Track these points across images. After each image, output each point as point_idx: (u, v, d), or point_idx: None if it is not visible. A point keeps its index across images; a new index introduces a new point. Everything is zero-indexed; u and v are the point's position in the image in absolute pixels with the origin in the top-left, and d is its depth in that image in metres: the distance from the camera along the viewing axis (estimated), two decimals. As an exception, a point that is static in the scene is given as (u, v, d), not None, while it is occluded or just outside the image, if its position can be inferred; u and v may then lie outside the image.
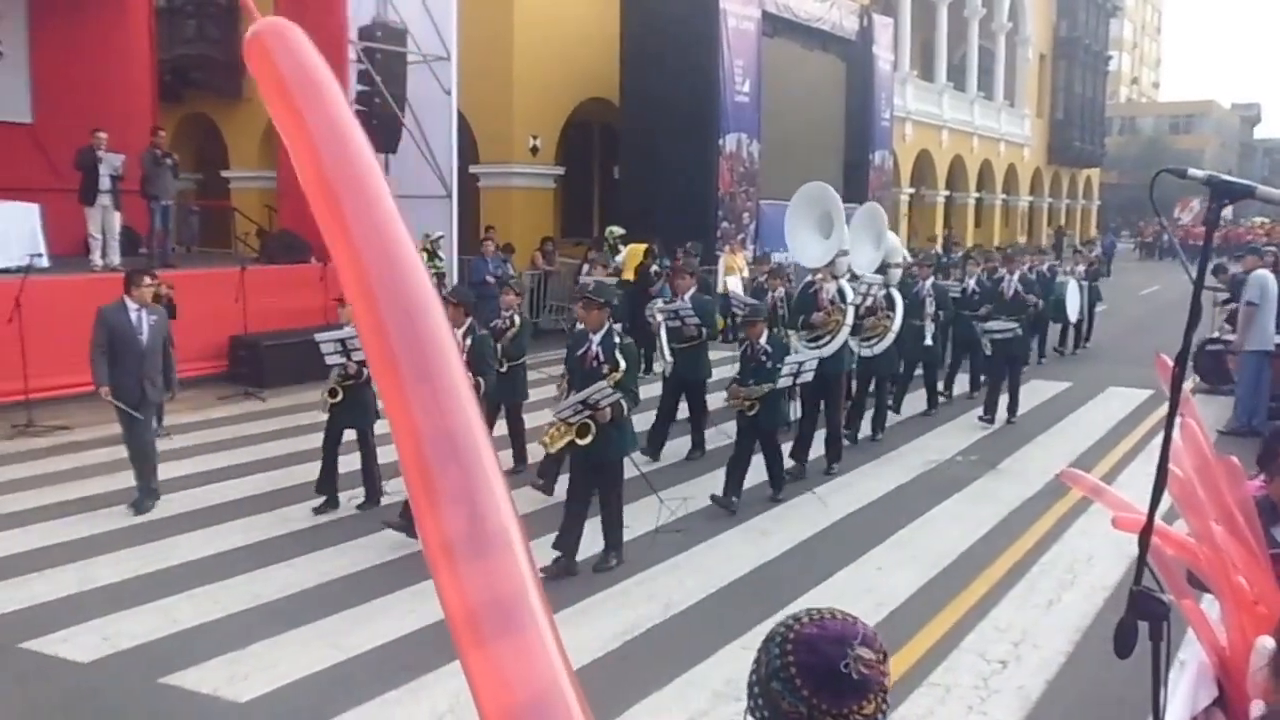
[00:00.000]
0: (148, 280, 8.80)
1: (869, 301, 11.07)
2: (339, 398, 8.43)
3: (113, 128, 14.26)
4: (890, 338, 11.30)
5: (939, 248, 25.98)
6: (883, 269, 12.91)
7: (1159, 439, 2.36)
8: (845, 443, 10.60)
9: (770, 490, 9.10)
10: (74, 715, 5.29)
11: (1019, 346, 12.81)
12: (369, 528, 8.10)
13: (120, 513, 8.36)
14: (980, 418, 12.33)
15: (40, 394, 11.13)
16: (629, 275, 16.88)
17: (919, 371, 13.22)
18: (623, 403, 7.12)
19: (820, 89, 25.27)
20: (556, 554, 7.12)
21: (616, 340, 7.35)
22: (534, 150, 21.65)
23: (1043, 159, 50.01)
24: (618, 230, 18.87)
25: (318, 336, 8.58)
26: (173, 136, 16.08)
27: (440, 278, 15.77)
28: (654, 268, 16.26)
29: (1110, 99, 59.62)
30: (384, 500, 8.62)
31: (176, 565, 7.27)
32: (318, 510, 8.51)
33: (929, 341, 12.82)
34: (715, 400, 10.86)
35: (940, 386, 13.65)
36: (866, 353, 11.22)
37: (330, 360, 8.36)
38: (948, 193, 40.00)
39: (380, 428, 8.46)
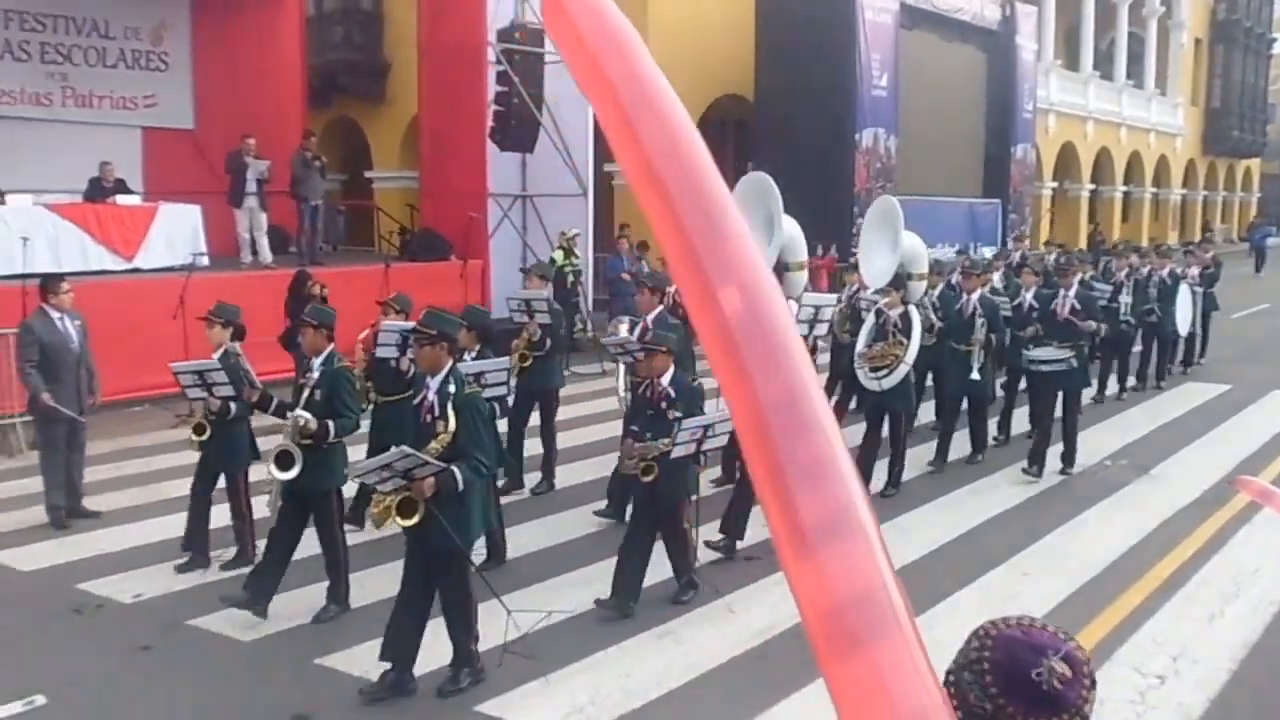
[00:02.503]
0: (64, 286, 8.38)
1: (817, 330, 8.37)
2: (206, 434, 7.05)
3: (266, 132, 14.95)
4: (902, 370, 8.89)
5: (1059, 248, 20.97)
6: (898, 280, 9.76)
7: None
8: None
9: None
10: (239, 689, 5.56)
11: (1071, 381, 9.84)
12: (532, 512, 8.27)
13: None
14: (1024, 470, 9.62)
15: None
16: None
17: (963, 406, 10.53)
18: (457, 475, 5.23)
19: (960, 81, 24.66)
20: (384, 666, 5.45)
21: (452, 388, 5.44)
22: (667, 148, 21.69)
23: (1197, 150, 47.61)
24: (751, 227, 18.78)
25: (174, 366, 7.18)
26: (319, 139, 16.72)
27: (576, 275, 15.98)
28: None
29: (1274, 84, 56.31)
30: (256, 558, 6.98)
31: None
32: (181, 569, 7.15)
33: (975, 375, 10.01)
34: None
35: (994, 429, 11.04)
36: (874, 386, 8.96)
37: (191, 395, 7.06)
38: (1093, 186, 38.47)
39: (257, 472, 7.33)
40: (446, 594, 5.51)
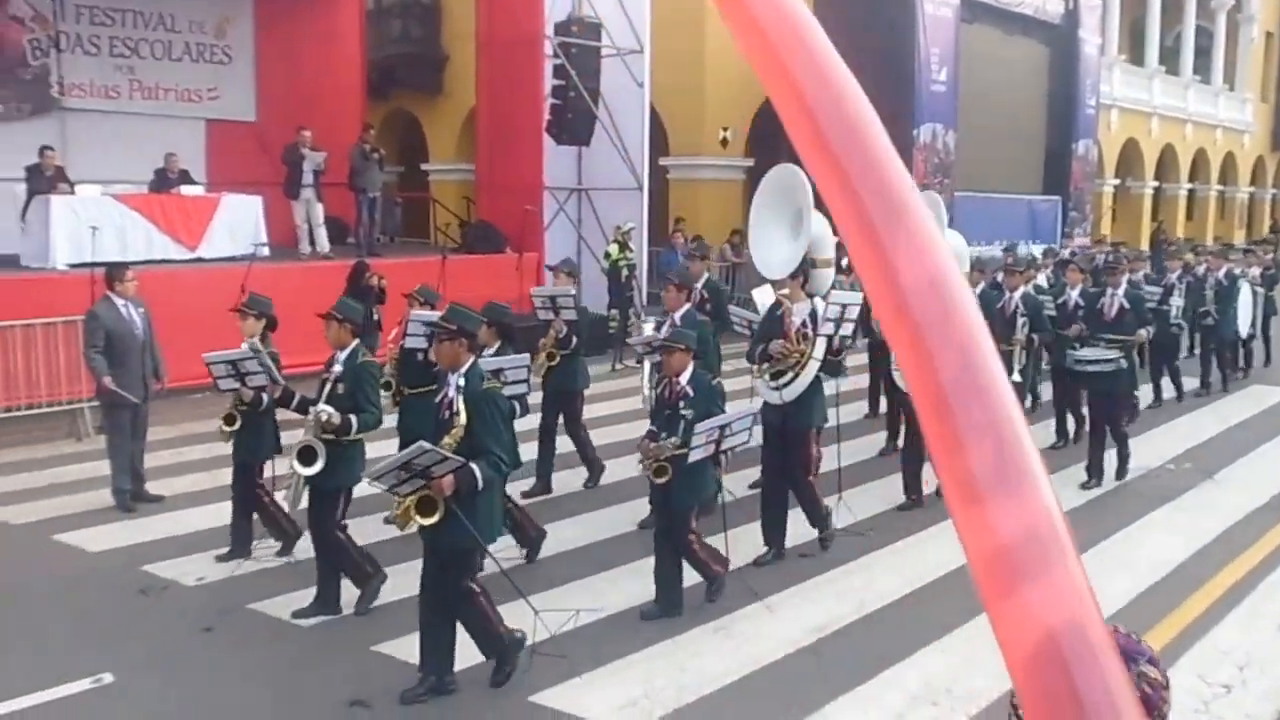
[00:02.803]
0: (129, 275, 8.61)
1: (844, 330, 7.68)
2: (237, 425, 7.05)
3: (325, 125, 15.12)
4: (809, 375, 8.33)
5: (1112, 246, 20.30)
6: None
7: None
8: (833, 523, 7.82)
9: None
10: (298, 673, 5.64)
11: (1118, 383, 9.51)
12: (569, 509, 8.32)
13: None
14: (1082, 485, 9.29)
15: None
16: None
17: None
18: (476, 472, 5.15)
19: (1021, 76, 24.28)
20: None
21: (462, 383, 5.33)
22: (724, 142, 21.63)
23: (1266, 146, 46.39)
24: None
25: (206, 357, 7.04)
26: (377, 131, 16.93)
27: (631, 269, 15.99)
28: (844, 261, 15.99)
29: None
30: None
31: (388, 540, 7.44)
32: (221, 559, 7.23)
33: (1016, 376, 9.29)
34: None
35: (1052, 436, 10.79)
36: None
37: (224, 386, 7.02)
38: (1156, 184, 37.69)
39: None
40: (451, 594, 5.38)
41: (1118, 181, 35.19)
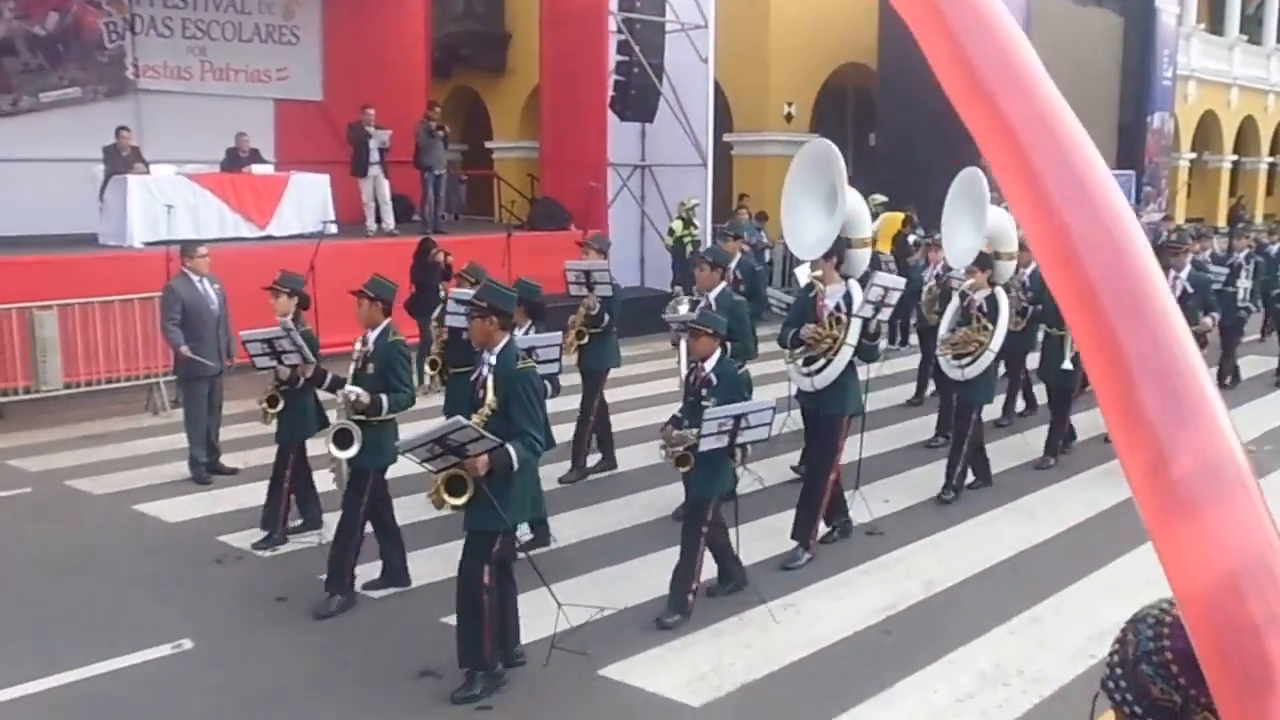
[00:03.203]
0: (201, 250, 8.72)
1: (882, 314, 7.24)
2: (280, 406, 6.96)
3: (389, 103, 15.24)
4: (988, 358, 8.19)
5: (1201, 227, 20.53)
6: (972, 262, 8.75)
7: None
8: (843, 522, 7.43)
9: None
10: (368, 643, 5.74)
11: None
12: (629, 486, 8.33)
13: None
14: None
15: (330, 350, 12.05)
16: (884, 246, 16.43)
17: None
18: (511, 452, 4.96)
19: (1094, 47, 23.66)
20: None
21: (494, 362, 5.20)
22: (788, 118, 21.42)
23: (1352, 118, 44.76)
24: (880, 198, 18.37)
25: (243, 335, 7.01)
26: (441, 110, 17.04)
27: (696, 245, 15.93)
28: (911, 238, 15.77)
29: None
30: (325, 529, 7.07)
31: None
32: (257, 545, 7.12)
33: (1068, 364, 9.01)
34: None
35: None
36: (956, 375, 8.31)
37: (261, 365, 6.93)
38: (1235, 157, 36.52)
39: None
40: (465, 594, 5.16)
41: (1194, 155, 34.19)
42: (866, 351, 7.16)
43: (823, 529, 7.21)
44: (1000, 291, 8.47)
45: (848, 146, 24.96)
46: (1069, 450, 9.53)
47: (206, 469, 8.61)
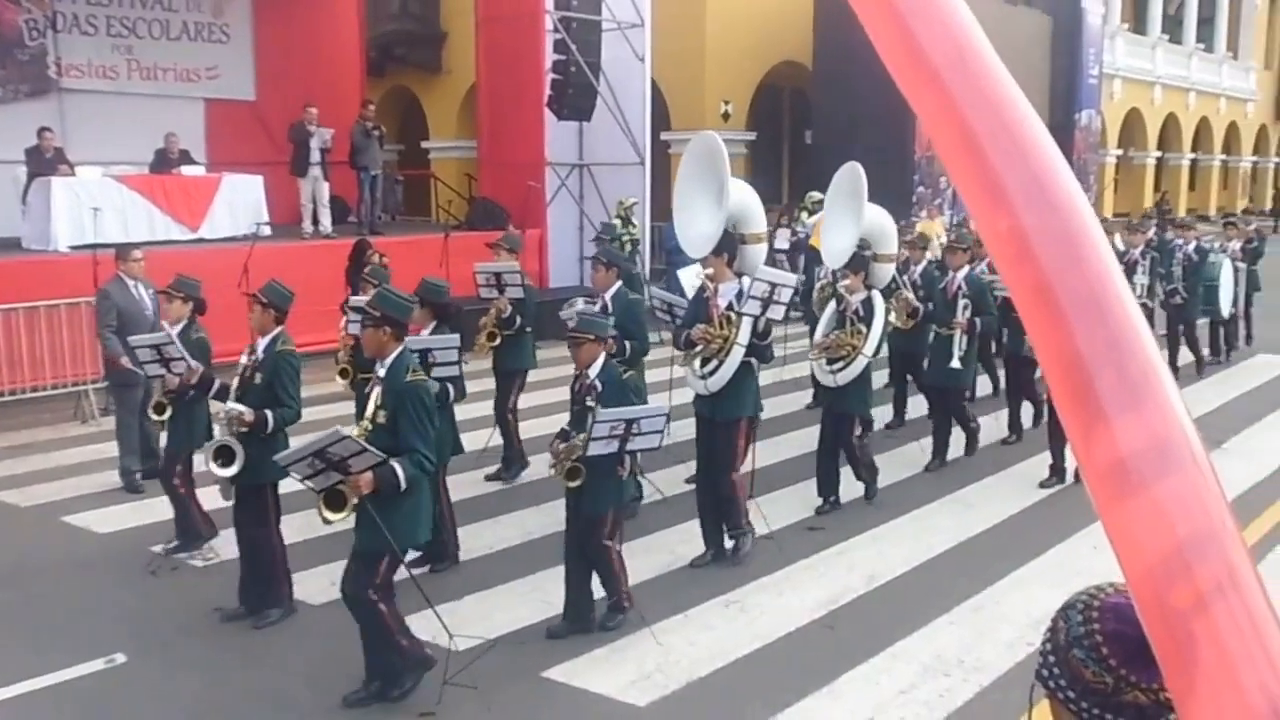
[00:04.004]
0: (136, 254, 8.52)
1: (770, 312, 6.78)
2: (168, 413, 6.70)
3: (324, 103, 15.02)
4: (861, 363, 7.70)
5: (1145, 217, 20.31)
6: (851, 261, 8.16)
7: None
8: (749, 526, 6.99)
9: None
10: (313, 650, 5.65)
11: None
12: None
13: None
14: (1042, 483, 8.50)
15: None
16: (817, 243, 16.57)
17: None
18: (398, 471, 4.71)
19: (1024, 46, 24.10)
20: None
21: (381, 374, 5.03)
22: (725, 116, 21.52)
23: (1270, 115, 46.21)
24: (816, 195, 18.55)
25: (131, 340, 6.92)
26: (376, 109, 16.85)
27: (634, 244, 15.94)
28: None
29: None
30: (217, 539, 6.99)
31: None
32: (170, 551, 6.97)
33: (956, 363, 8.85)
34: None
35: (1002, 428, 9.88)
36: (829, 381, 7.84)
37: (150, 372, 6.78)
38: (1159, 154, 37.53)
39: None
40: (354, 609, 5.02)
41: (1120, 152, 35.06)
42: (759, 351, 6.85)
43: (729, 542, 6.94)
44: (877, 295, 8.04)
45: (783, 145, 25.22)
46: (973, 452, 9.35)
47: (143, 476, 8.41)
